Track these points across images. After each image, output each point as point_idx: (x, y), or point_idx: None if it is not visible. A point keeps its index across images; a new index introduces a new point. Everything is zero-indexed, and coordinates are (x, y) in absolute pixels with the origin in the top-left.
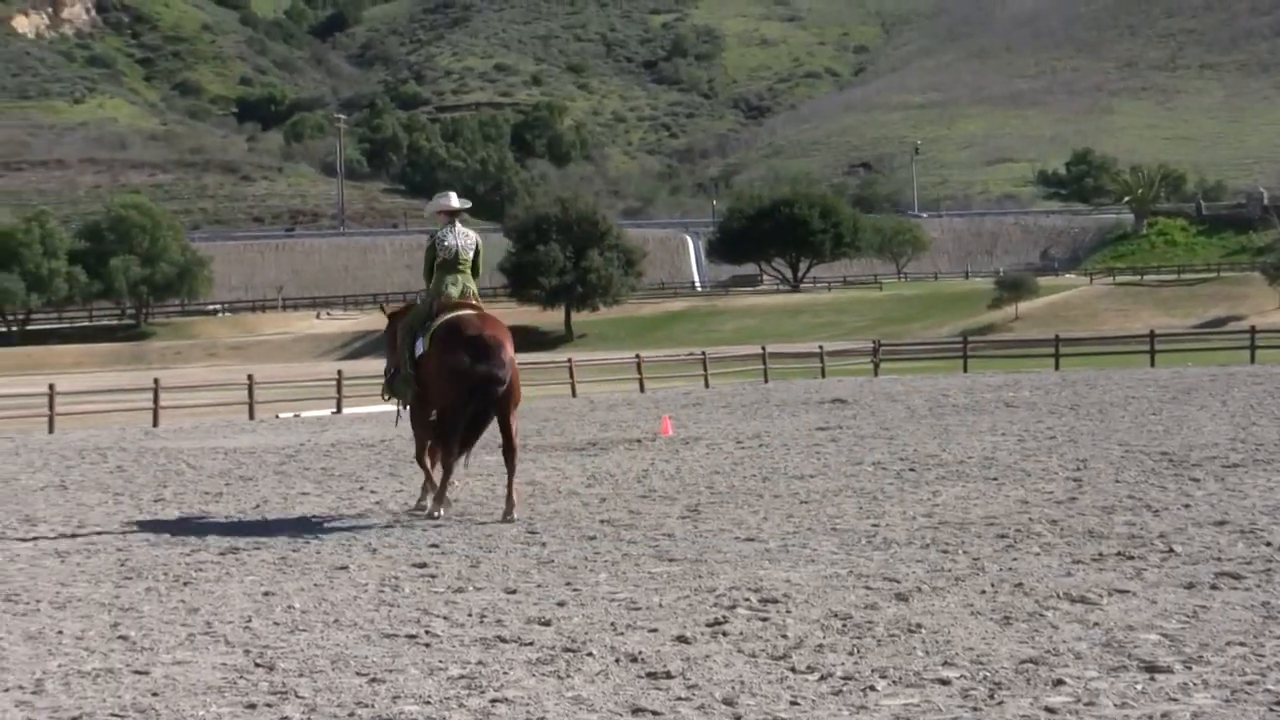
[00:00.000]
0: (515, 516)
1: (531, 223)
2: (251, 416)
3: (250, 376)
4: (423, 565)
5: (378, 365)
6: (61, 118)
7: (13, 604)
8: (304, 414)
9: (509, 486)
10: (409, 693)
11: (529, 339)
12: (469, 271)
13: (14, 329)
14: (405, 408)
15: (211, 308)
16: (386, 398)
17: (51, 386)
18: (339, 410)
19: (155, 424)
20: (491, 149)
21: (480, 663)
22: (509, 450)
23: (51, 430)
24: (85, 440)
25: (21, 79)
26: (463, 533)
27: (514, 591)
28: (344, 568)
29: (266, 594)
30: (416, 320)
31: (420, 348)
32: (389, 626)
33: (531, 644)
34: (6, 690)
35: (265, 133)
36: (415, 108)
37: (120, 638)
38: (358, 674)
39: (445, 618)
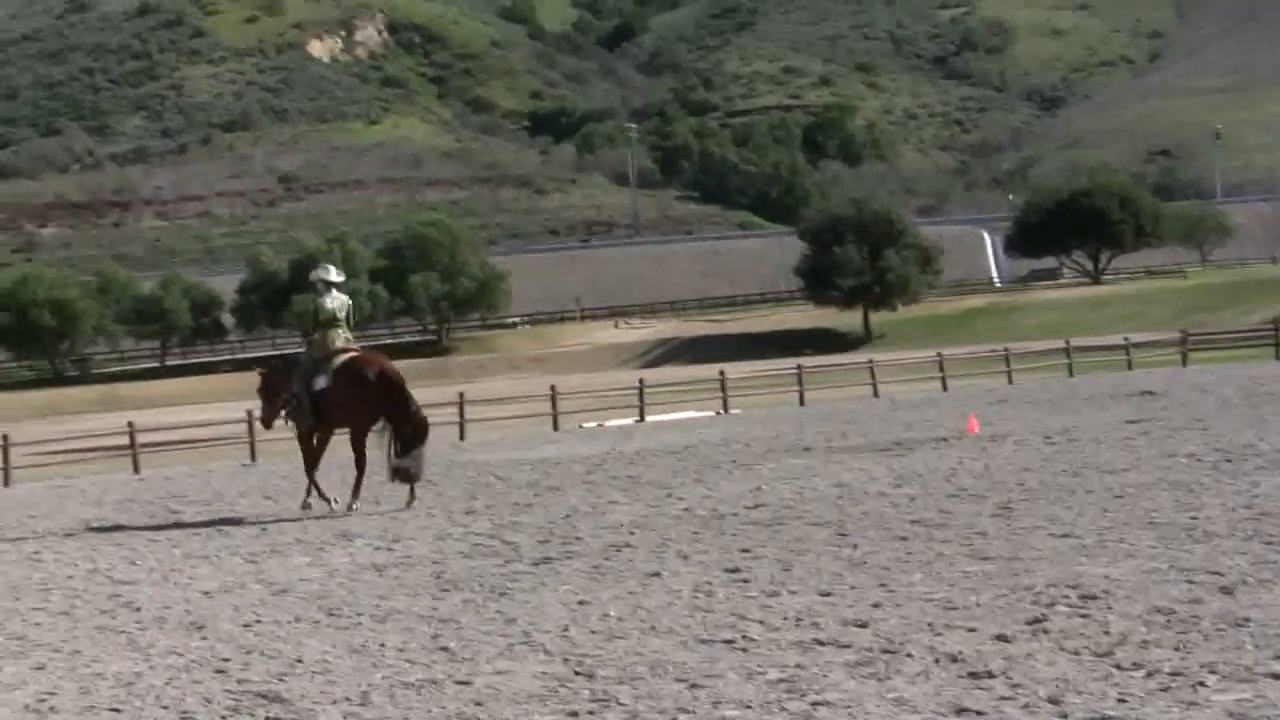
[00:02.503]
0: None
1: (826, 224)
2: (556, 427)
3: (553, 387)
4: (735, 570)
5: (679, 373)
6: (358, 139)
7: (335, 618)
8: (607, 423)
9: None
10: (729, 697)
11: (827, 341)
12: (344, 326)
13: None
14: (298, 432)
15: (511, 321)
16: (287, 422)
17: None
18: (642, 418)
19: (462, 437)
20: (783, 152)
21: (799, 666)
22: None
23: None
24: None
25: (319, 103)
26: (773, 537)
27: (828, 594)
28: (657, 574)
29: (582, 602)
30: (312, 363)
31: (322, 383)
32: (705, 632)
33: (849, 646)
34: (335, 703)
35: (557, 145)
36: (705, 114)
37: (441, 649)
38: (677, 680)
39: (761, 622)
